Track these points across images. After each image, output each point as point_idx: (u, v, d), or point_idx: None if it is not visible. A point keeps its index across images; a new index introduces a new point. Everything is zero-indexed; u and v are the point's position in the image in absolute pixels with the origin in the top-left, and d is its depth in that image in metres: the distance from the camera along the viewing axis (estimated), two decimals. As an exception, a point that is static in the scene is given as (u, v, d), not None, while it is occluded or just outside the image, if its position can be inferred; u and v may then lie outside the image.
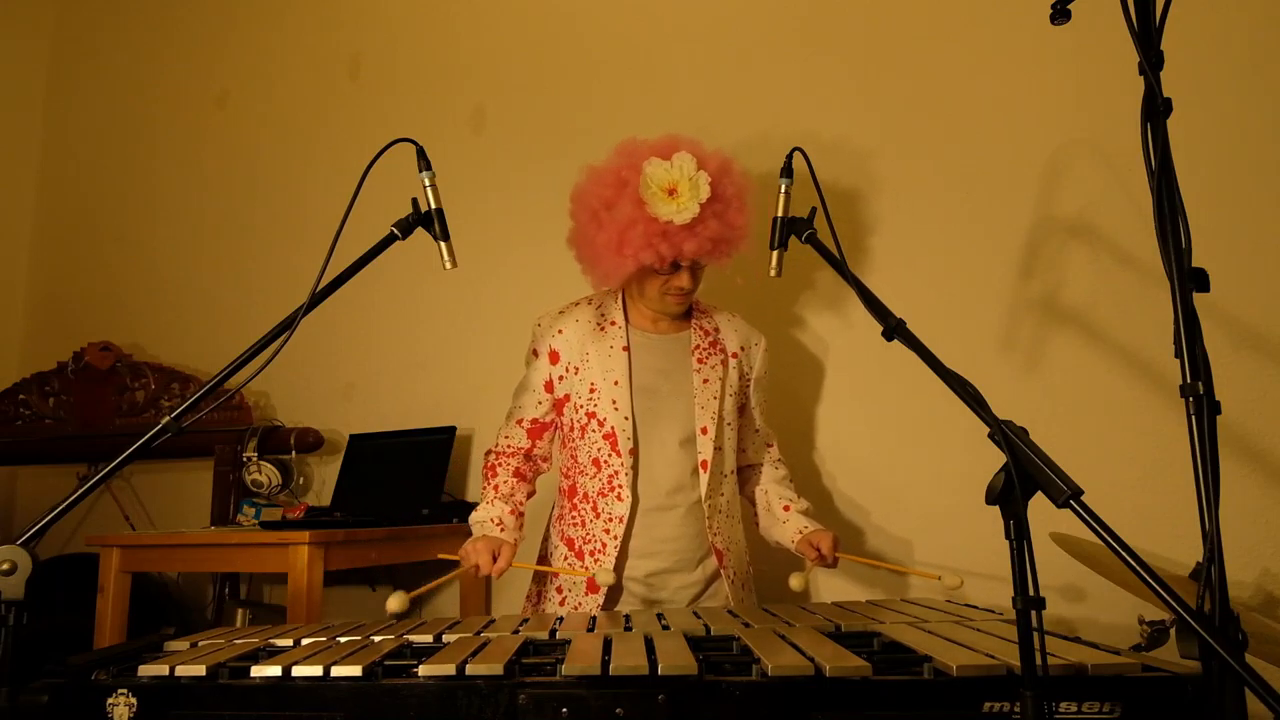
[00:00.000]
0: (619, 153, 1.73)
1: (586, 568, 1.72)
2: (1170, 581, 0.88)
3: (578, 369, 1.79)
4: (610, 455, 1.74)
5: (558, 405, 1.83)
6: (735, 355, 1.84)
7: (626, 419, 1.74)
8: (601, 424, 1.75)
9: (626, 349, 1.78)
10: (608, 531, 1.72)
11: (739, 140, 2.37)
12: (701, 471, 1.75)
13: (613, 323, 1.81)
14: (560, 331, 1.82)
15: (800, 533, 1.78)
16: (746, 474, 1.95)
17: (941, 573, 1.64)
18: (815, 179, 1.45)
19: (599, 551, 1.72)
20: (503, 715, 1.04)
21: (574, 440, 1.80)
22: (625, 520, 1.72)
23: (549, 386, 1.83)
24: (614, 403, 1.75)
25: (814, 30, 2.35)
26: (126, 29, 3.58)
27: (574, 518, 1.79)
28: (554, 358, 1.82)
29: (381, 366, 2.83)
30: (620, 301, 1.84)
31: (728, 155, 1.74)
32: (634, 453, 1.74)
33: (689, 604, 1.76)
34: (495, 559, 1.65)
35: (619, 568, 1.72)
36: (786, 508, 1.85)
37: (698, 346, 1.82)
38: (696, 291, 1.81)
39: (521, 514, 1.80)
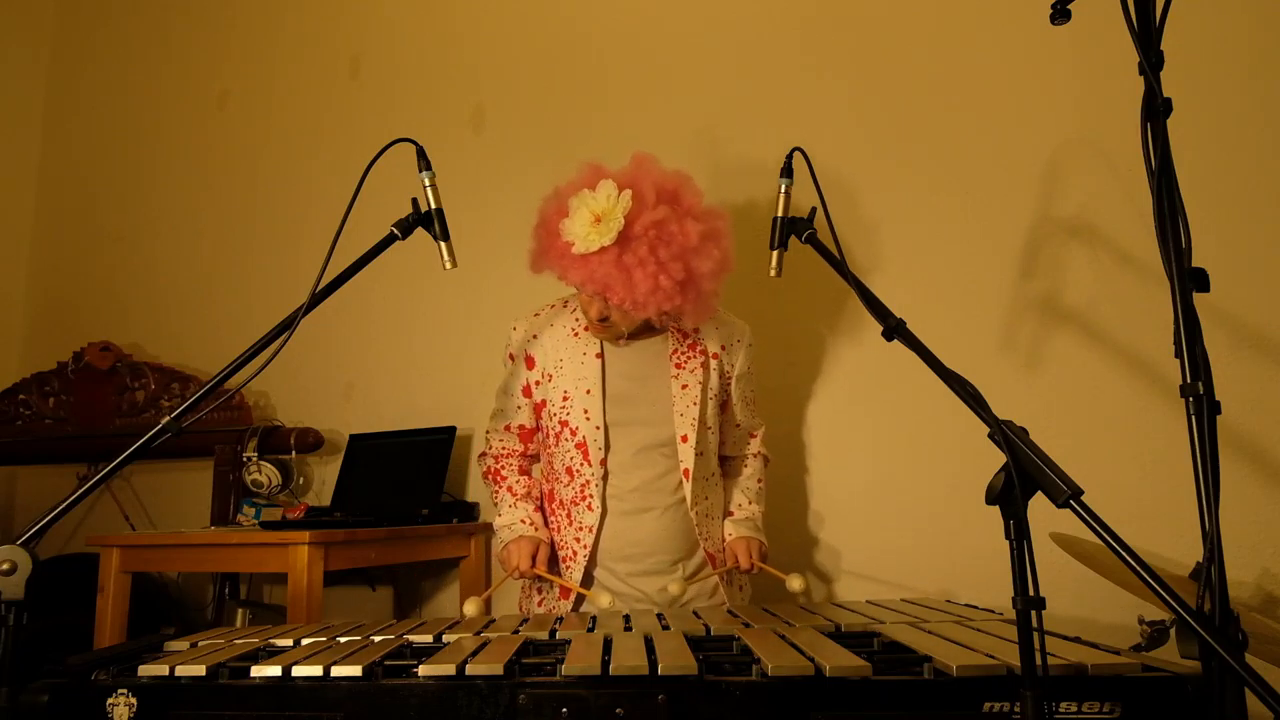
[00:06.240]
0: (632, 166, 1.65)
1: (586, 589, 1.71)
2: (1170, 581, 0.88)
3: (551, 376, 1.77)
4: (582, 464, 1.72)
5: (537, 410, 1.83)
6: (715, 355, 1.78)
7: (598, 429, 1.71)
8: (574, 433, 1.73)
9: (600, 356, 1.75)
10: (578, 540, 1.73)
11: (738, 139, 2.38)
12: (685, 480, 1.72)
13: (586, 328, 1.76)
14: (535, 336, 1.80)
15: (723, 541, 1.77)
16: (724, 470, 1.92)
17: (789, 575, 1.71)
18: (815, 179, 1.45)
19: (570, 559, 1.74)
20: (503, 715, 1.03)
21: (550, 446, 1.80)
22: (595, 530, 1.72)
23: (527, 391, 1.82)
24: (585, 412, 1.72)
25: (815, 31, 2.35)
26: (126, 29, 3.57)
27: (551, 523, 1.81)
28: (530, 363, 1.81)
29: (381, 367, 2.83)
30: None
31: (680, 214, 1.56)
32: (604, 463, 1.72)
33: (668, 605, 1.72)
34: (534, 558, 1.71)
35: (589, 572, 1.73)
36: (731, 514, 1.83)
37: (675, 350, 1.77)
38: (617, 333, 1.69)
39: (541, 509, 1.83)
